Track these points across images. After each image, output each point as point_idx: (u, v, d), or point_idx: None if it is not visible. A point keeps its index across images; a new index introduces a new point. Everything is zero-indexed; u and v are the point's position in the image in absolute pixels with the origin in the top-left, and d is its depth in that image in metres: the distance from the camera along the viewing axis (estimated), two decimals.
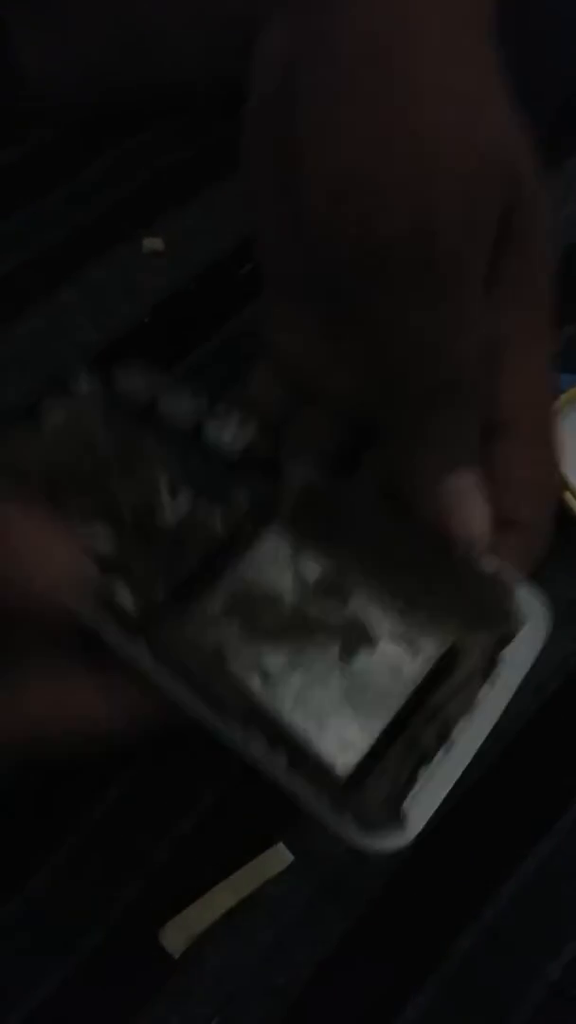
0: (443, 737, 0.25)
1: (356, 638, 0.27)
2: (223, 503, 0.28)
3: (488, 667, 0.26)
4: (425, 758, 0.25)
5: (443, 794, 0.25)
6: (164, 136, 0.45)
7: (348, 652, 0.27)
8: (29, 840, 0.31)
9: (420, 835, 0.31)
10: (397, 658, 0.27)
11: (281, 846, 0.31)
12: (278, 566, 0.27)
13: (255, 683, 0.26)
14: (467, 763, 0.25)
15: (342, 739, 0.25)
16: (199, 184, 0.43)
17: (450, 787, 0.25)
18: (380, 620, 0.27)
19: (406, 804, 0.24)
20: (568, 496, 0.34)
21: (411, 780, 0.24)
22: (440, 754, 0.25)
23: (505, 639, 0.26)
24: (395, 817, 0.24)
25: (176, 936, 0.30)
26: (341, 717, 0.26)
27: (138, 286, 0.41)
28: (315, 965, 0.30)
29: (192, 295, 0.41)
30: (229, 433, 0.28)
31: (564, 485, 0.34)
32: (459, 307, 0.24)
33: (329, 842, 0.31)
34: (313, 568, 0.28)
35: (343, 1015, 0.29)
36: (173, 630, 0.26)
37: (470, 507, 0.26)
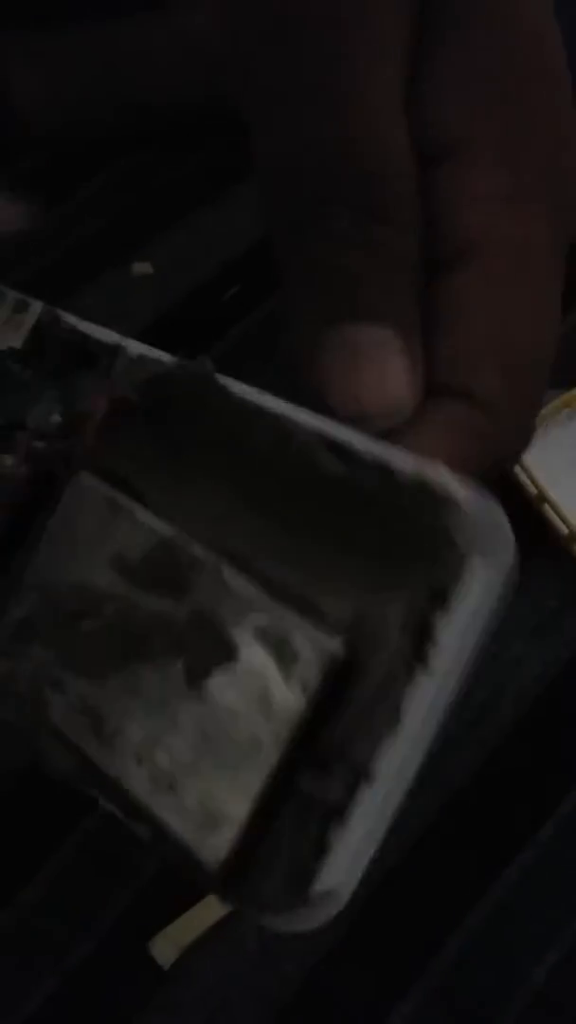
0: (356, 776, 0.15)
1: (205, 647, 0.17)
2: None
3: (416, 646, 0.15)
4: (334, 813, 0.16)
5: (372, 848, 0.16)
6: (151, 161, 0.46)
7: (195, 673, 0.17)
8: (20, 852, 0.32)
9: (407, 844, 0.32)
10: (268, 672, 0.16)
11: None
12: (87, 537, 0.18)
13: (87, 739, 0.18)
14: (402, 796, 0.16)
15: (207, 812, 0.16)
16: (185, 208, 0.44)
17: (381, 835, 0.16)
18: (239, 608, 0.17)
19: (320, 879, 0.16)
20: (546, 507, 0.35)
21: (320, 847, 0.16)
22: (355, 803, 0.15)
23: (440, 593, 0.15)
24: (304, 901, 0.16)
25: (166, 947, 0.31)
26: (201, 779, 0.16)
27: (127, 310, 0.42)
28: (303, 973, 0.30)
29: (179, 318, 0.42)
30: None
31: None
32: (355, 74, 0.16)
33: None
34: (135, 535, 0.18)
35: (331, 1022, 0.30)
36: None
37: (368, 373, 0.17)
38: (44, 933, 0.31)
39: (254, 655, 0.16)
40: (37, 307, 0.20)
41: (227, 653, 0.16)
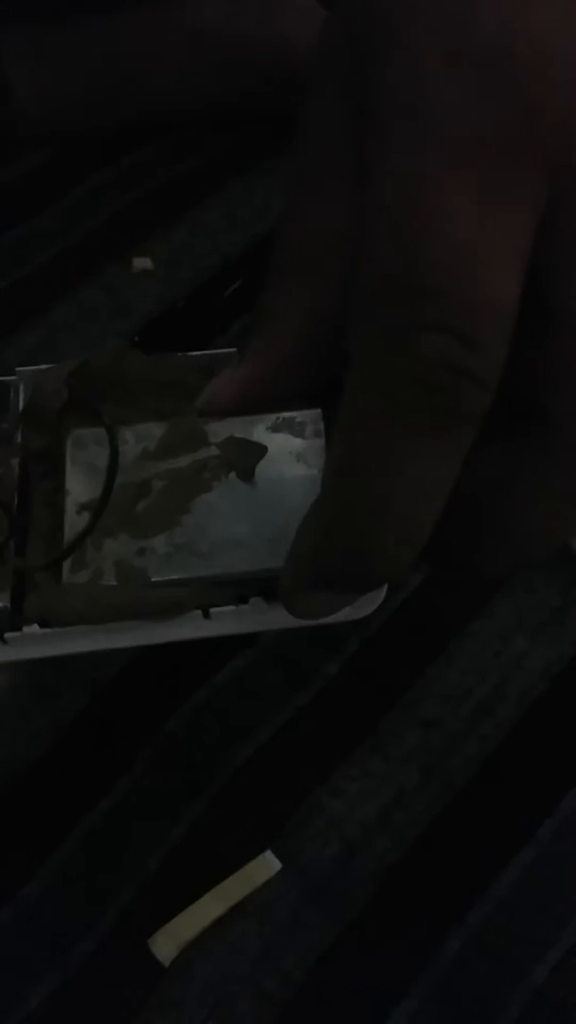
0: None
1: (243, 456, 0.25)
2: None
3: None
4: None
5: None
6: (152, 157, 0.46)
7: (247, 472, 0.25)
8: (22, 849, 0.32)
9: (408, 842, 0.32)
10: (289, 442, 0.25)
11: (269, 854, 0.32)
12: (98, 459, 0.25)
13: (193, 564, 0.24)
14: None
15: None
16: (187, 204, 0.44)
17: None
18: (240, 428, 0.25)
19: None
20: None
21: None
22: None
23: None
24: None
25: (166, 944, 0.31)
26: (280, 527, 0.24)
27: (128, 305, 0.42)
28: (304, 970, 0.30)
29: (181, 314, 0.42)
30: None
31: None
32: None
33: (317, 848, 0.32)
34: (133, 440, 0.25)
35: (332, 1020, 0.30)
36: (59, 591, 0.24)
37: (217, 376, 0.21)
38: (46, 930, 0.31)
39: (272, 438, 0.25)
40: None
41: (259, 450, 0.25)
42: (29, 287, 0.42)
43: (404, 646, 0.35)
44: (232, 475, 0.25)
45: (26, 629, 0.23)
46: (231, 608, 0.23)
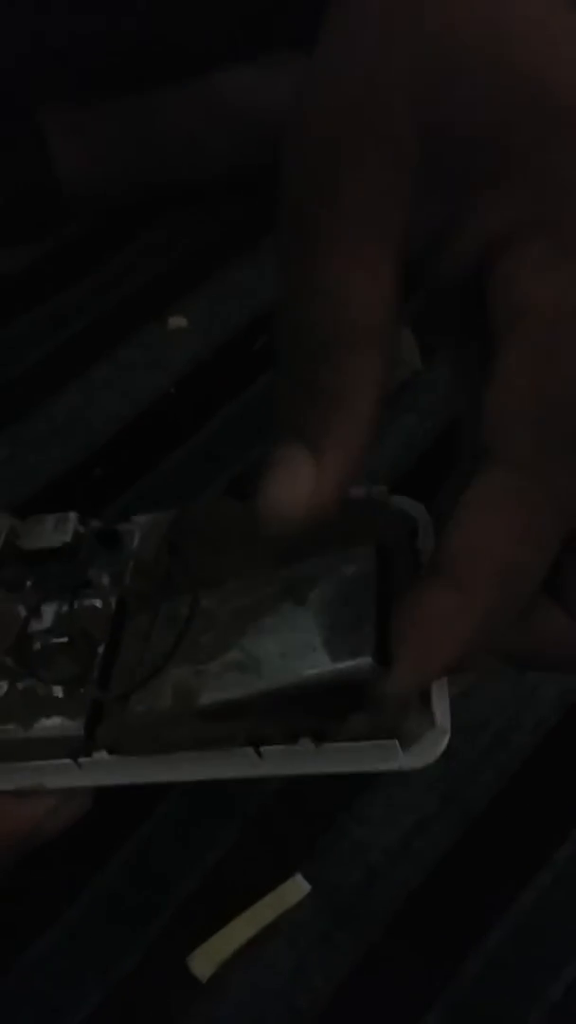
0: None
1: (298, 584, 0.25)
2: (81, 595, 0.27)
3: None
4: None
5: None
6: (182, 223, 0.49)
7: (296, 596, 0.24)
8: (66, 875, 0.34)
9: (429, 867, 0.33)
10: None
11: (299, 877, 0.34)
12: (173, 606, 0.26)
13: (248, 682, 0.23)
14: None
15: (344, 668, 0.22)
16: (216, 265, 0.47)
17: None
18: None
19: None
20: None
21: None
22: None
23: None
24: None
25: (204, 962, 0.33)
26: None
27: (164, 361, 0.45)
28: (333, 988, 0.32)
29: (213, 367, 0.45)
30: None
31: None
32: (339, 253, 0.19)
33: (343, 872, 0.34)
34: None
35: None
36: (129, 716, 0.24)
37: (278, 478, 0.19)
38: (90, 949, 0.33)
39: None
40: (72, 516, 0.28)
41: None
42: (75, 348, 0.46)
43: None
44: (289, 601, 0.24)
45: (95, 755, 0.24)
46: (280, 748, 0.23)
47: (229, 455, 0.42)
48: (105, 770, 0.24)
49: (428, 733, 0.22)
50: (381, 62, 0.18)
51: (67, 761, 0.24)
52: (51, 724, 0.25)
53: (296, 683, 0.22)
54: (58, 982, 0.33)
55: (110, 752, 0.24)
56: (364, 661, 0.21)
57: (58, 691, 0.25)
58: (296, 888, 0.34)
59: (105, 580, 0.27)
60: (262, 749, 0.23)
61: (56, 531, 0.28)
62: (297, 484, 0.19)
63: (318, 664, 0.22)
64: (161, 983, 0.32)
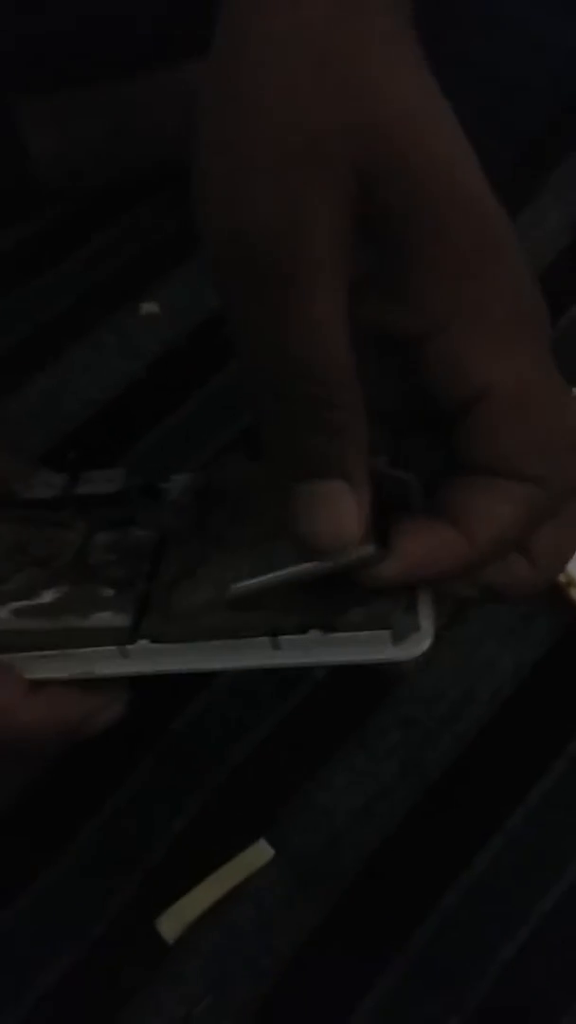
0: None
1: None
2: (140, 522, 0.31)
3: None
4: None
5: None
6: (153, 210, 0.50)
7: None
8: (40, 841, 0.35)
9: (388, 831, 0.35)
10: None
11: (263, 842, 0.35)
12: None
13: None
14: None
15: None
16: (187, 252, 0.48)
17: None
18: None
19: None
20: None
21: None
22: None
23: None
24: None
25: (171, 924, 0.34)
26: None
27: (137, 346, 0.46)
28: (295, 949, 0.33)
29: (184, 352, 0.46)
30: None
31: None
32: (303, 312, 0.20)
33: (307, 837, 0.35)
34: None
35: (321, 993, 0.33)
36: (172, 609, 0.28)
37: (324, 514, 0.23)
38: (61, 913, 0.34)
39: None
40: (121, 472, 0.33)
41: None
42: (49, 333, 0.46)
43: None
44: None
45: (139, 643, 0.27)
46: (293, 637, 0.26)
47: (202, 437, 0.43)
48: (147, 658, 0.27)
49: (413, 634, 0.25)
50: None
51: (114, 648, 0.27)
52: (103, 616, 0.28)
53: (310, 571, 0.25)
54: (32, 945, 0.34)
55: (152, 641, 0.27)
56: (368, 548, 0.23)
57: (109, 592, 0.29)
58: (260, 853, 0.35)
59: (148, 522, 0.31)
60: (279, 639, 0.26)
61: (109, 482, 0.32)
62: (345, 513, 0.22)
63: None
64: (130, 945, 0.34)
